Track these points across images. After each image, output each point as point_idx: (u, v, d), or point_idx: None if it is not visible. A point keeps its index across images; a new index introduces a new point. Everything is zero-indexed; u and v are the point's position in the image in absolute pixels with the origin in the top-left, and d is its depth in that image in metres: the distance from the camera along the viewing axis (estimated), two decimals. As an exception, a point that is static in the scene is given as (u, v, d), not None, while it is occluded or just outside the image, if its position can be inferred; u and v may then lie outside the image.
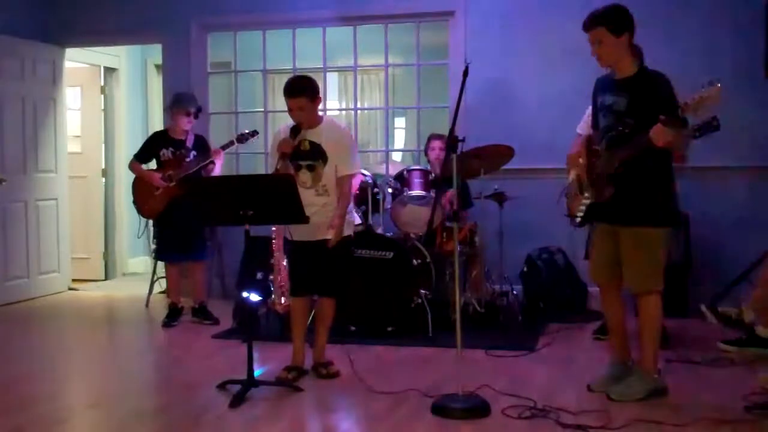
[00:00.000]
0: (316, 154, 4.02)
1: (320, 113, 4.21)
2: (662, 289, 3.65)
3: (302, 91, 3.98)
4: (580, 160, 3.79)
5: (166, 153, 5.50)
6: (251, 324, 4.41)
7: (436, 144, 5.71)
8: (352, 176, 4.08)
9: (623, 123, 3.52)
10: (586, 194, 3.74)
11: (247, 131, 5.58)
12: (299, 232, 4.03)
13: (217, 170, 5.54)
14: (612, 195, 3.57)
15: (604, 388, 3.71)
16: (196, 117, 5.58)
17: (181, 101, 5.55)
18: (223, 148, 5.50)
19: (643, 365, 3.67)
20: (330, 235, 3.99)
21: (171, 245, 5.56)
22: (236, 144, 5.56)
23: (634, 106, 3.50)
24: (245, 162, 6.84)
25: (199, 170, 5.45)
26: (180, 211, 5.33)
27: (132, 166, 5.62)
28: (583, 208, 3.76)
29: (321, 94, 4.13)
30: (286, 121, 4.17)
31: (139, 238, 6.45)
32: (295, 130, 3.97)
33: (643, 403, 3.58)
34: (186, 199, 5.03)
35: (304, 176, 4.02)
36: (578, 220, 3.82)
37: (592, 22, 3.57)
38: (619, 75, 3.62)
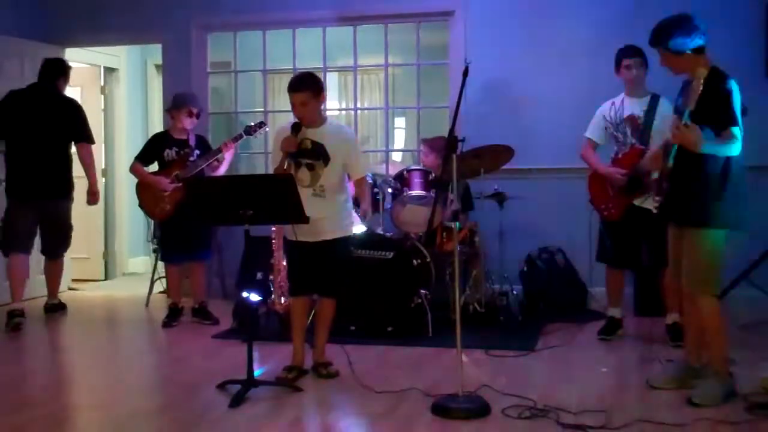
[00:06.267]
0: (318, 154, 4.02)
1: (323, 113, 4.22)
2: (717, 292, 3.66)
3: (305, 86, 3.98)
4: (656, 161, 3.80)
5: (171, 153, 5.48)
6: (251, 324, 4.41)
7: (424, 151, 5.78)
8: (366, 178, 4.25)
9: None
10: (657, 197, 3.80)
11: (252, 123, 5.56)
12: (301, 232, 4.03)
13: (225, 166, 5.54)
14: (666, 193, 3.61)
15: (665, 385, 3.75)
16: (197, 117, 5.57)
17: (184, 101, 5.51)
18: (234, 140, 5.50)
19: (715, 367, 3.64)
20: (332, 236, 4.04)
21: (175, 246, 5.54)
22: (244, 137, 5.52)
23: (696, 108, 3.45)
24: (245, 162, 6.84)
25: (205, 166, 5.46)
26: (185, 211, 5.31)
27: (134, 169, 5.56)
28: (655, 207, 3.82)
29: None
30: (287, 121, 4.17)
31: (150, 241, 6.49)
32: (296, 127, 3.97)
33: (643, 403, 3.58)
34: (186, 199, 5.03)
35: (303, 174, 4.02)
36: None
37: (653, 43, 3.65)
38: (690, 77, 3.63)
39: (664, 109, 4.56)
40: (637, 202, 4.61)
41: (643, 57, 4.66)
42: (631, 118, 4.68)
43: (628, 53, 4.70)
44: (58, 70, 5.86)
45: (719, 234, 3.58)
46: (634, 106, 4.69)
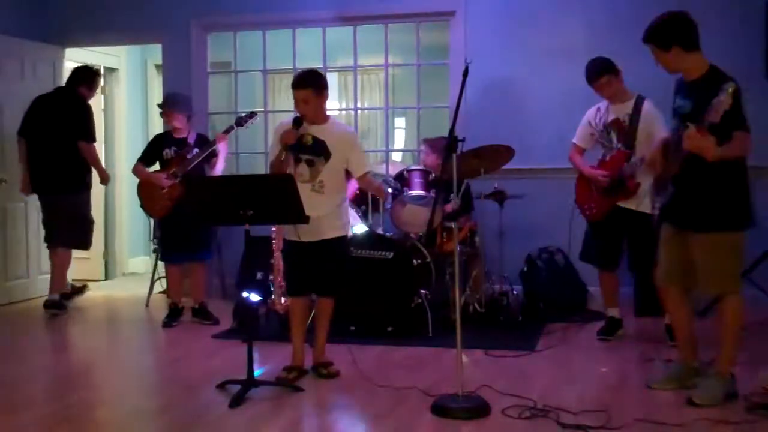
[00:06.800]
0: (319, 151, 4.02)
1: (326, 112, 4.21)
2: (739, 291, 3.61)
3: (309, 83, 4.00)
4: (657, 163, 3.75)
5: (169, 152, 5.51)
6: (251, 324, 4.42)
7: (425, 150, 5.79)
8: (369, 172, 4.23)
9: (685, 127, 3.46)
10: (657, 198, 3.77)
11: (244, 113, 5.61)
12: (301, 232, 4.03)
13: (221, 161, 5.54)
14: (672, 196, 3.57)
15: (665, 385, 3.75)
16: (187, 116, 5.57)
17: (162, 106, 5.65)
18: (225, 132, 5.53)
19: (720, 367, 3.62)
20: (330, 235, 4.03)
21: (175, 246, 5.55)
22: (236, 128, 5.54)
23: (697, 110, 3.41)
24: (245, 162, 6.85)
25: (202, 162, 5.45)
26: (184, 210, 5.31)
27: (136, 170, 5.60)
28: (657, 207, 3.78)
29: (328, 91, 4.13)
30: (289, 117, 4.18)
31: (151, 240, 6.52)
32: (297, 121, 3.98)
33: (643, 403, 3.58)
34: (186, 199, 5.03)
35: (303, 169, 4.03)
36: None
37: (644, 39, 3.58)
38: (688, 77, 3.59)
39: (648, 111, 4.59)
40: (632, 206, 4.61)
41: (609, 71, 4.64)
42: (616, 122, 4.70)
43: (592, 78, 4.68)
44: (81, 77, 6.10)
45: (739, 234, 3.55)
46: (619, 111, 4.70)
